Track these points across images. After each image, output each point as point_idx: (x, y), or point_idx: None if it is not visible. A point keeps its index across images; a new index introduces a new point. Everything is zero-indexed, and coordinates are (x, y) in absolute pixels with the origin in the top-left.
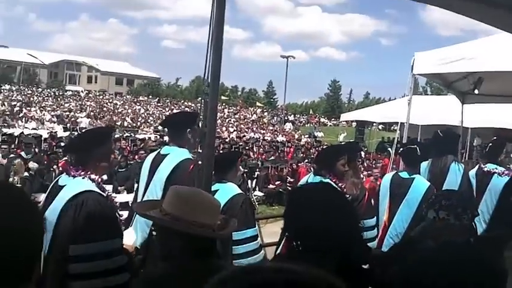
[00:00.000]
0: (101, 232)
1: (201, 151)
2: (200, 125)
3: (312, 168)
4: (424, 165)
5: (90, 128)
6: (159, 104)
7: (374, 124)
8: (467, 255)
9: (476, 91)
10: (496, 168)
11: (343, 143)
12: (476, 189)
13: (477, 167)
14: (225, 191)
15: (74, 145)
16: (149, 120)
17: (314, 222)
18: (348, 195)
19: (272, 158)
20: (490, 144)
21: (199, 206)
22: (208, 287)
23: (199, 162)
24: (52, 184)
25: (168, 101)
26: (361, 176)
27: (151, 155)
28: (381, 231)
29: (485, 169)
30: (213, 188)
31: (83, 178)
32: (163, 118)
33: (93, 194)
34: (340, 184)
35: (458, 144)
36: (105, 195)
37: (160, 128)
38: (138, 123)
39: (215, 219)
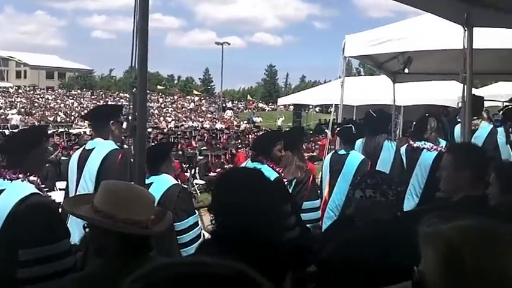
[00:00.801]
0: (51, 234)
1: (132, 145)
2: (130, 118)
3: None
4: (358, 143)
5: (23, 128)
6: (93, 97)
7: (311, 107)
8: (392, 230)
9: (406, 70)
10: (424, 144)
11: (282, 128)
12: (406, 165)
13: (406, 144)
14: (160, 183)
15: (7, 147)
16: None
17: (234, 199)
18: (286, 180)
19: (204, 147)
20: (415, 122)
21: (132, 202)
22: (123, 285)
23: (132, 160)
24: None
25: (102, 93)
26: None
27: (77, 152)
28: (322, 204)
29: (414, 145)
30: (148, 181)
31: (23, 181)
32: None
33: (39, 196)
34: (277, 169)
35: (390, 123)
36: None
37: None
38: (72, 118)
39: (149, 214)
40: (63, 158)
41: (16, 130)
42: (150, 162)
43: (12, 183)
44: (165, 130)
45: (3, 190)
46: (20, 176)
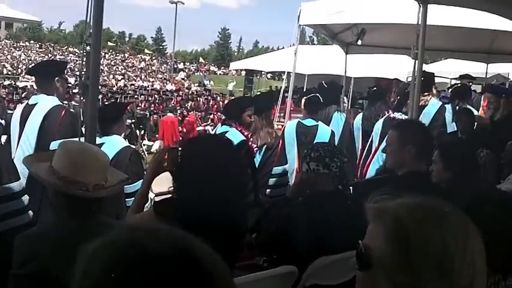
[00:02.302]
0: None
1: (83, 103)
2: (81, 75)
3: (200, 118)
4: None
5: None
6: (41, 50)
7: (263, 73)
8: (332, 201)
9: (359, 42)
10: (401, 115)
11: (233, 93)
12: (380, 134)
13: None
14: (112, 144)
15: None
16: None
17: (200, 166)
18: (256, 146)
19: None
20: (398, 96)
21: (82, 164)
22: (80, 256)
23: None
24: None
25: (50, 47)
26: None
27: (21, 106)
28: (295, 177)
29: (392, 116)
30: (99, 141)
31: None
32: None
33: None
34: (246, 133)
35: (340, 95)
36: None
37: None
38: (19, 70)
39: (97, 178)
40: (9, 111)
41: None
42: (103, 122)
43: None
44: (114, 89)
45: None
46: None
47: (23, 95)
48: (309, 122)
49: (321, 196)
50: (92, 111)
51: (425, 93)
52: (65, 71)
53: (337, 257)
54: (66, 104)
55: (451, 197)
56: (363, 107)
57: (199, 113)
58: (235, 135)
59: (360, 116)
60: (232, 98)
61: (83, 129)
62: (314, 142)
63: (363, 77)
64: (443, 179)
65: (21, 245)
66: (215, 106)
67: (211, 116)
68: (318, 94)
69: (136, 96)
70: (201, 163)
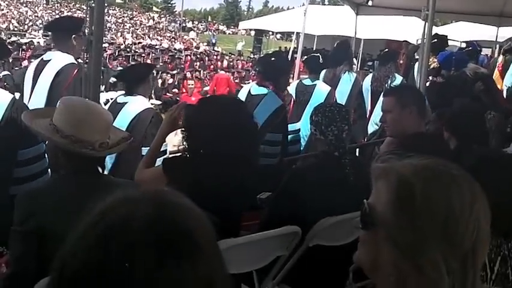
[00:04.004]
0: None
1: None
2: (86, 32)
3: (209, 78)
4: (321, 74)
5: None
6: (48, 6)
7: (272, 33)
8: (326, 167)
9: (369, 3)
10: None
11: (242, 52)
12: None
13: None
14: (134, 104)
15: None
16: (37, 24)
17: (212, 126)
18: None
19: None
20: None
21: (85, 122)
22: (87, 217)
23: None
24: None
25: (57, 3)
26: None
27: (35, 62)
28: None
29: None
30: (122, 100)
31: None
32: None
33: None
34: (283, 97)
35: (350, 55)
36: None
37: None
38: (26, 27)
39: (101, 136)
40: (15, 68)
41: None
42: (128, 82)
43: None
44: (122, 46)
45: None
46: None
47: (28, 52)
48: (308, 81)
49: (316, 162)
50: (95, 67)
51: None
52: (82, 29)
53: (341, 217)
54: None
55: (458, 159)
56: (373, 68)
57: (209, 73)
58: (273, 99)
59: (369, 77)
60: (272, 58)
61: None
62: (309, 101)
63: (373, 38)
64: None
65: (22, 202)
66: (225, 66)
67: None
68: (318, 54)
69: (144, 55)
70: (212, 123)
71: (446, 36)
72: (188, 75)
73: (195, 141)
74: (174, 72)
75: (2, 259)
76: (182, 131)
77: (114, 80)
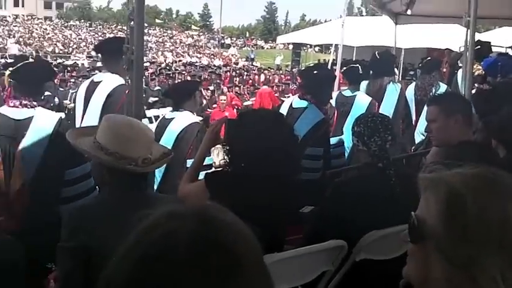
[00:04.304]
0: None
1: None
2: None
3: (248, 93)
4: (363, 86)
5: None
6: (90, 29)
7: (310, 46)
8: (371, 179)
9: (408, 12)
10: None
11: (281, 67)
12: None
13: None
14: (181, 119)
15: None
16: (81, 46)
17: (251, 140)
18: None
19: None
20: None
21: (128, 139)
22: (130, 235)
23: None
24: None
25: (100, 25)
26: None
27: (85, 83)
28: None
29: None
30: (170, 116)
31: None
32: (96, 43)
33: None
34: (324, 110)
35: (393, 65)
36: None
37: (93, 53)
38: (70, 49)
39: (144, 152)
40: (60, 89)
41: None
42: (176, 98)
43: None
44: (162, 65)
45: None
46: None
47: (73, 73)
48: (348, 92)
49: (360, 174)
50: (137, 86)
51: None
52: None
53: (388, 230)
54: None
55: (508, 168)
56: (415, 78)
57: (248, 88)
58: (314, 112)
59: (412, 86)
60: (314, 72)
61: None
62: (350, 112)
63: (414, 47)
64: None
65: (69, 218)
66: (262, 80)
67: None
68: (357, 65)
69: (184, 72)
70: (253, 137)
71: (490, 42)
72: (225, 90)
73: (236, 155)
74: (211, 88)
75: (51, 275)
76: (223, 145)
77: (154, 99)
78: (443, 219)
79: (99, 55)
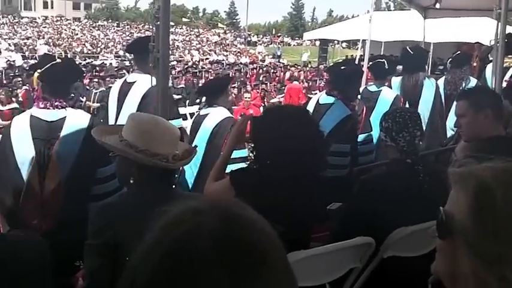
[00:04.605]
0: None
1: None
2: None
3: (275, 90)
4: (397, 83)
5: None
6: (118, 29)
7: (337, 42)
8: (398, 175)
9: (437, 5)
10: None
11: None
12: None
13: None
14: (215, 115)
15: None
16: (109, 46)
17: (277, 138)
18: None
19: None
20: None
21: (156, 135)
22: (155, 228)
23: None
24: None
25: (128, 25)
26: None
27: (118, 83)
28: None
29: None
30: (204, 112)
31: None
32: (127, 43)
33: None
34: (351, 106)
35: (427, 60)
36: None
37: (121, 53)
38: (98, 49)
39: (172, 149)
40: (88, 88)
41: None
42: (209, 94)
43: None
44: (189, 63)
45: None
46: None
47: (101, 73)
48: (373, 87)
49: (387, 170)
50: (163, 84)
51: (510, 56)
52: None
53: (416, 227)
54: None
55: None
56: (445, 73)
57: (275, 85)
58: (340, 108)
59: (442, 80)
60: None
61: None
62: (375, 107)
63: (443, 42)
64: None
65: (96, 215)
66: (288, 78)
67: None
68: (383, 60)
69: (210, 71)
70: (278, 133)
71: None
72: (249, 88)
73: (262, 151)
74: (235, 85)
75: (79, 273)
76: (249, 143)
77: (178, 97)
78: (472, 213)
79: (130, 55)
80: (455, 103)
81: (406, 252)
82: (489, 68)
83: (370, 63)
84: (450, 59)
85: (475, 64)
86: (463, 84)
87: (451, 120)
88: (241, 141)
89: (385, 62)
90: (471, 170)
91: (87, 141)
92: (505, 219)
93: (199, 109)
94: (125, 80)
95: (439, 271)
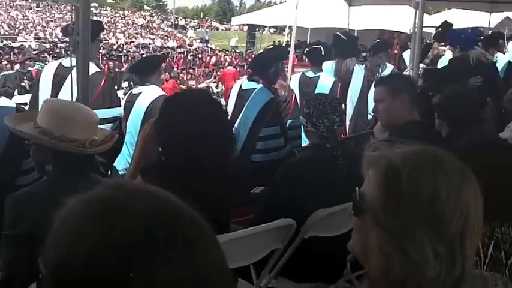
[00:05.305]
0: None
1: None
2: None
3: (203, 75)
4: (329, 67)
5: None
6: (38, 9)
7: (265, 28)
8: (318, 159)
9: None
10: None
11: (271, 48)
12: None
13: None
14: (149, 93)
15: None
16: (28, 27)
17: (179, 124)
18: (278, 97)
19: None
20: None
21: (71, 121)
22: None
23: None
24: None
25: (48, 5)
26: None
27: (52, 66)
28: None
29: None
30: (137, 91)
31: None
32: (47, 24)
33: None
34: (273, 90)
35: (357, 46)
36: None
37: (41, 35)
38: (16, 31)
39: (89, 134)
40: (4, 72)
41: None
42: (141, 73)
43: None
44: (114, 46)
45: None
46: None
47: (20, 56)
48: (311, 73)
49: (308, 155)
50: (83, 67)
51: (442, 44)
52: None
53: (335, 208)
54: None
55: (449, 146)
56: (366, 59)
57: (203, 70)
58: (263, 92)
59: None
60: (259, 52)
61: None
62: (315, 92)
63: (367, 29)
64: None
65: (12, 206)
66: (222, 62)
67: (215, 73)
68: (320, 46)
69: (136, 55)
70: (179, 120)
71: (452, 24)
72: (172, 74)
73: (166, 143)
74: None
75: None
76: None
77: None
78: (381, 191)
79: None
80: (372, 89)
81: (326, 232)
82: (406, 54)
83: (307, 49)
84: (369, 47)
85: (396, 51)
86: (380, 71)
87: (370, 105)
88: (148, 148)
89: (321, 48)
90: (383, 153)
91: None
92: (409, 197)
93: (130, 88)
94: (60, 63)
95: (355, 249)
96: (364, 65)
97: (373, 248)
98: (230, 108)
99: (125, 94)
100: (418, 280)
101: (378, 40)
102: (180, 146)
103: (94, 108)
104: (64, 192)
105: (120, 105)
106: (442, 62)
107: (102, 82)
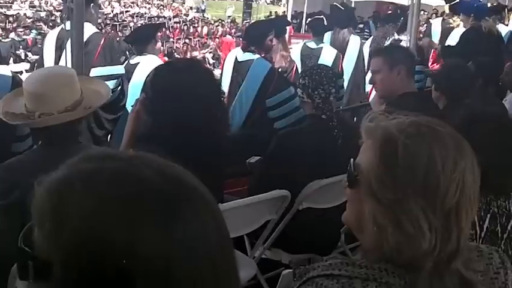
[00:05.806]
0: None
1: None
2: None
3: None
4: (326, 38)
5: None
6: None
7: None
8: (313, 130)
9: None
10: None
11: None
12: None
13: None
14: (146, 64)
15: None
16: None
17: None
18: (278, 68)
19: None
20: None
21: (21, 94)
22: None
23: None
24: None
25: None
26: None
27: (54, 32)
28: None
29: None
30: (135, 61)
31: None
32: None
33: None
34: (267, 57)
35: (354, 17)
36: None
37: (36, 3)
38: None
39: (39, 106)
40: (2, 40)
41: None
42: (137, 43)
43: None
44: (110, 16)
45: None
46: None
47: (14, 24)
48: (313, 44)
49: (303, 126)
50: (77, 35)
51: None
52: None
53: (330, 180)
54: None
55: (447, 118)
56: (366, 30)
57: (198, 40)
58: (261, 63)
59: (370, 39)
60: (253, 22)
61: None
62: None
63: (363, 0)
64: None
65: (3, 175)
66: (214, 32)
67: (211, 43)
68: (322, 16)
69: (132, 24)
70: (167, 89)
71: None
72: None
73: (156, 115)
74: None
75: None
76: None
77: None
78: (376, 161)
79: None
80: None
81: (320, 203)
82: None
83: (309, 19)
84: (381, 16)
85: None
86: (385, 43)
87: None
88: (137, 127)
89: (324, 18)
90: (380, 124)
91: None
92: (404, 168)
93: (126, 58)
94: (62, 28)
95: (349, 220)
96: (373, 37)
97: (367, 220)
98: (226, 80)
99: (122, 64)
100: (413, 253)
101: (374, 12)
102: (171, 114)
103: (96, 66)
104: (54, 159)
105: (121, 63)
106: (453, 36)
107: (102, 41)
